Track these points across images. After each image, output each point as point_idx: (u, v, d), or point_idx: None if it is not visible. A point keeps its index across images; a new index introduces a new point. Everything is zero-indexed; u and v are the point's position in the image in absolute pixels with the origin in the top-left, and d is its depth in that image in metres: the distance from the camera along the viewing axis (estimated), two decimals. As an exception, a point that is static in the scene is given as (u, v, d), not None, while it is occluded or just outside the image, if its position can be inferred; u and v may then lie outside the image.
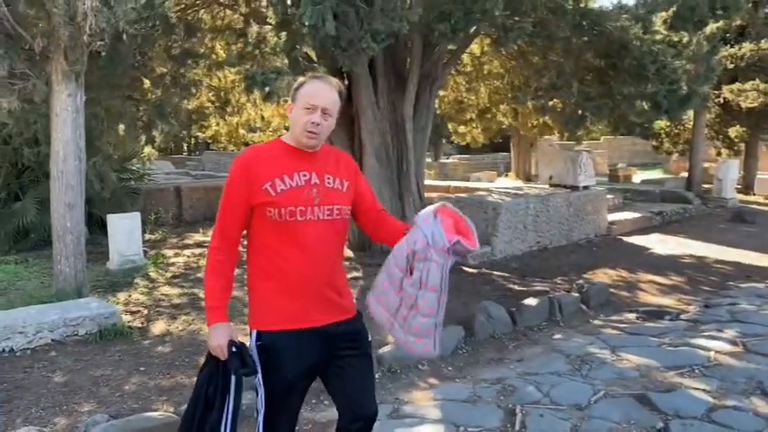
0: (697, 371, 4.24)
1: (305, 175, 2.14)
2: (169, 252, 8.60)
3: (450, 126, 12.84)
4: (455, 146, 31.97)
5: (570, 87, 7.98)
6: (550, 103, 10.04)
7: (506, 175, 22.37)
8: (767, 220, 12.70)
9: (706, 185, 16.36)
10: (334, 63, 7.00)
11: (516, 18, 7.20)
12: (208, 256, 2.20)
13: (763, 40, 15.75)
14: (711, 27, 9.87)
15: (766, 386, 3.90)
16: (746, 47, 15.96)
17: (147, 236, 9.33)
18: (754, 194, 17.39)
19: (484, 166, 25.11)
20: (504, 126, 14.50)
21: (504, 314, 5.38)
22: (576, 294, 6.13)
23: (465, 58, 11.43)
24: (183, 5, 7.31)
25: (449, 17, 6.47)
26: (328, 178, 2.18)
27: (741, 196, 17.07)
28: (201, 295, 6.54)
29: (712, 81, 8.71)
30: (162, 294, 6.34)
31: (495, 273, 7.57)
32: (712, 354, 4.55)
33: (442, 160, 27.42)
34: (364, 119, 8.13)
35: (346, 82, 8.59)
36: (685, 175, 17.65)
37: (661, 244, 9.94)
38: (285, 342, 2.12)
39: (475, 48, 11.27)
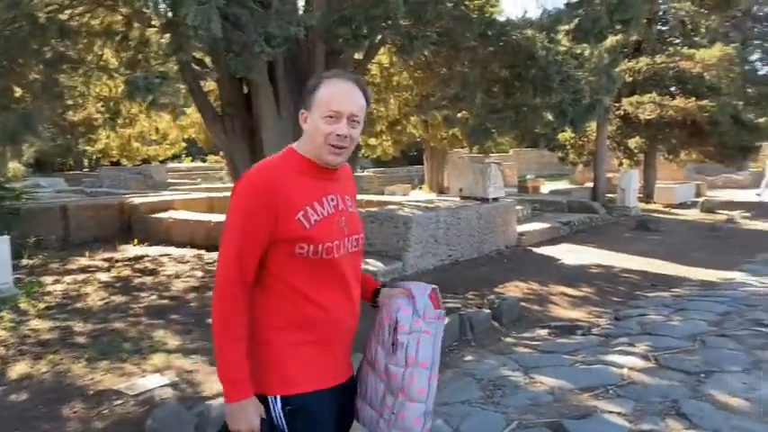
0: (611, 391, 4.03)
1: (333, 200, 1.75)
2: (48, 279, 7.70)
3: (360, 138, 12.51)
4: (371, 159, 31.88)
5: (474, 98, 7.83)
6: (459, 114, 9.94)
7: (420, 188, 22.35)
8: (669, 228, 13.16)
9: (610, 195, 16.90)
10: (229, 68, 6.49)
11: (421, 26, 6.97)
12: (218, 307, 1.69)
13: (657, 56, 16.48)
14: (611, 40, 10.10)
15: (681, 405, 3.72)
16: (643, 61, 16.67)
17: (25, 261, 8.39)
18: (655, 203, 18.14)
19: (399, 178, 25.04)
20: (417, 138, 14.37)
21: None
22: (488, 311, 5.87)
23: (374, 68, 11.16)
24: (56, 5, 6.56)
25: (350, 22, 6.13)
26: (348, 201, 1.82)
27: (643, 205, 17.76)
28: (77, 329, 5.86)
29: (613, 92, 8.85)
30: (29, 330, 5.55)
31: (406, 290, 7.23)
32: (626, 371, 4.37)
33: (357, 174, 27.17)
34: (266, 130, 7.63)
35: (245, 90, 8.11)
36: (590, 185, 18.19)
37: (570, 254, 9.98)
38: (320, 404, 1.72)
39: (383, 58, 11.03)
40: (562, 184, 27.08)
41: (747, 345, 4.89)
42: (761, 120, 18.88)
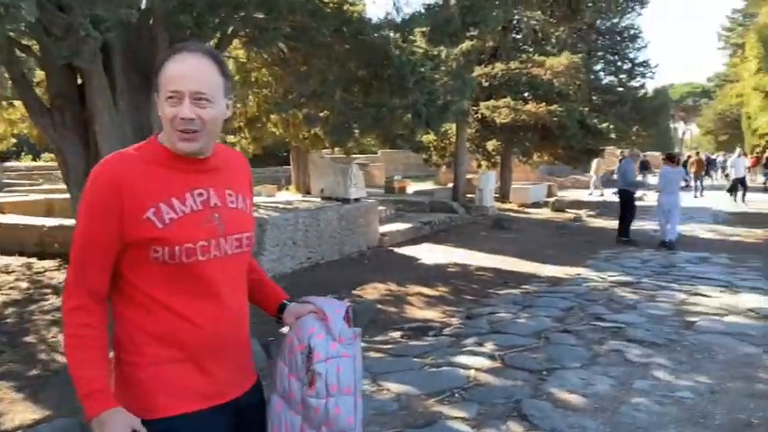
0: (457, 395, 3.95)
1: (201, 195, 1.51)
2: None
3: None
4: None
5: (333, 96, 7.62)
6: (321, 114, 9.69)
7: (287, 189, 21.87)
8: (522, 227, 13.79)
9: (470, 195, 17.48)
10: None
11: (273, 19, 6.63)
12: (64, 321, 1.49)
13: (512, 62, 17.27)
14: (467, 45, 10.35)
15: (524, 406, 3.72)
16: (498, 66, 17.41)
17: None
18: (510, 202, 19.03)
19: (265, 179, 24.37)
20: (285, 138, 13.93)
21: (257, 348, 4.67)
22: (341, 316, 5.65)
23: (230, 63, 10.63)
24: None
25: (191, 8, 5.66)
26: (230, 195, 1.57)
27: (499, 204, 18.55)
28: None
29: (467, 94, 9.04)
30: None
31: (259, 296, 6.86)
32: (472, 372, 4.33)
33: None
34: (100, 123, 6.88)
35: (79, 81, 7.32)
36: (452, 185, 18.74)
37: (430, 253, 10.08)
38: (193, 428, 1.49)
39: (240, 53, 10.54)
40: (427, 185, 27.76)
41: (587, 339, 5.07)
42: (603, 125, 20.43)
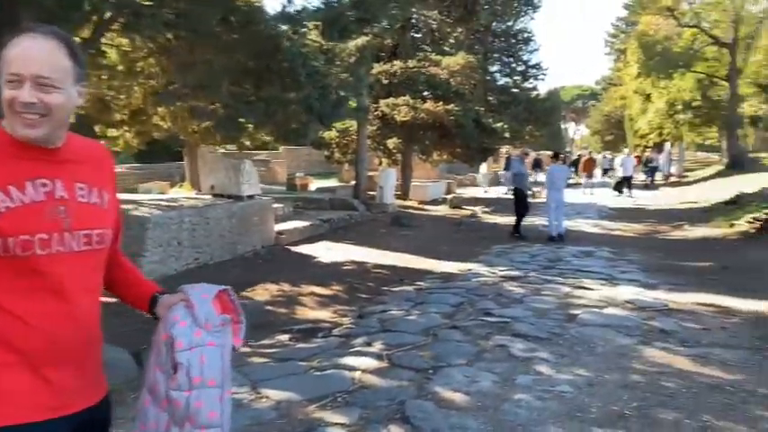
0: (340, 399, 3.80)
1: (45, 185, 1.41)
2: None
3: (96, 129, 11.13)
4: (131, 154, 29.28)
5: (219, 88, 7.27)
6: (212, 107, 9.26)
7: (181, 186, 20.96)
8: (421, 223, 13.89)
9: (371, 192, 17.45)
10: None
11: (155, 5, 6.21)
12: None
13: (410, 61, 17.40)
14: (363, 40, 10.24)
15: (407, 408, 3.62)
16: (397, 65, 17.48)
17: None
18: (411, 200, 19.19)
19: (158, 175, 23.26)
20: (167, 131, 13.25)
21: (126, 357, 4.31)
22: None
23: (113, 52, 9.94)
24: None
25: (54, -12, 5.17)
26: (81, 189, 1.48)
27: (400, 202, 18.66)
28: None
29: (362, 90, 8.93)
30: None
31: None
32: (358, 374, 4.20)
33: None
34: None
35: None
36: (354, 183, 18.65)
37: (327, 252, 9.90)
38: None
39: (124, 41, 9.87)
40: (331, 183, 27.58)
41: (474, 335, 5.08)
42: (498, 124, 21.07)
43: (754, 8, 27.84)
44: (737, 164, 28.65)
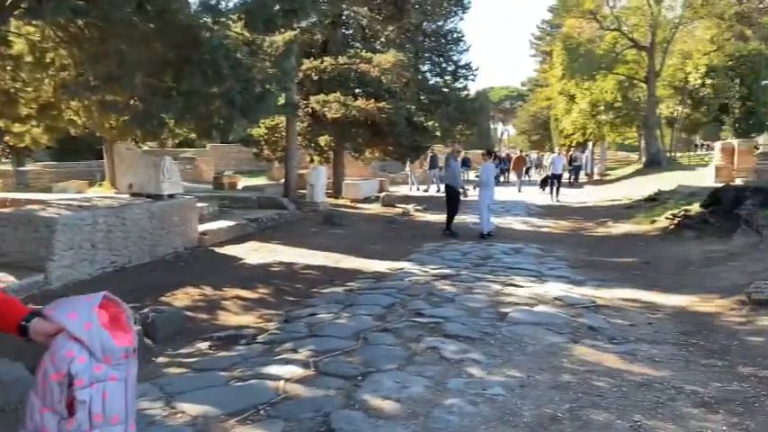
0: (262, 412, 3.54)
1: None
2: None
3: (0, 123, 10.29)
4: (47, 151, 27.64)
5: (133, 80, 6.82)
6: (130, 101, 8.71)
7: (100, 185, 19.95)
8: (352, 222, 13.68)
9: (302, 191, 17.10)
10: None
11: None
12: None
13: (341, 57, 17.15)
14: (290, 34, 9.94)
15: (333, 419, 3.41)
16: (328, 61, 17.20)
17: None
18: (343, 198, 18.95)
19: (76, 174, 22.05)
20: (81, 127, 12.45)
21: (23, 373, 3.89)
22: (138, 328, 4.98)
23: (20, 41, 9.21)
24: None
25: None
26: None
27: (332, 200, 18.40)
28: None
29: (288, 83, 8.63)
30: None
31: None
32: (282, 384, 3.95)
33: (22, 168, 23.14)
34: None
35: None
36: (284, 181, 18.24)
37: (254, 253, 9.55)
38: None
39: (31, 30, 9.16)
40: (260, 181, 26.97)
41: (405, 338, 4.92)
42: (430, 123, 21.15)
43: (670, 14, 29.18)
44: (655, 163, 29.96)
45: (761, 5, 42.15)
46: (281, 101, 17.21)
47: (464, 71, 36.95)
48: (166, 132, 9.41)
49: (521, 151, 38.62)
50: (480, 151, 45.44)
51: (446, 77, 36.81)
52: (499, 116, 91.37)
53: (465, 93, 36.59)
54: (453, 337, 4.92)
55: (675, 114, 35.90)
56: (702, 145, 48.78)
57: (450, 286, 7.01)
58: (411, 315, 5.64)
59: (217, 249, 9.68)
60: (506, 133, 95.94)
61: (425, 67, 36.66)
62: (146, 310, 5.34)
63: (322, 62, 17.28)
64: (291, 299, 6.68)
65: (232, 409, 3.57)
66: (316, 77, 17.82)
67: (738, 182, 16.47)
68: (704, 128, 40.48)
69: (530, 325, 5.33)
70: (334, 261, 8.98)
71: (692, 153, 39.52)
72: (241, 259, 9.00)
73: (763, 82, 32.51)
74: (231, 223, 11.25)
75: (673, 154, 36.34)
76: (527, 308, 5.97)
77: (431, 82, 36.69)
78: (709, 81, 31.88)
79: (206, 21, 6.89)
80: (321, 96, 17.11)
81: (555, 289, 6.85)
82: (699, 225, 9.78)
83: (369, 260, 9.04)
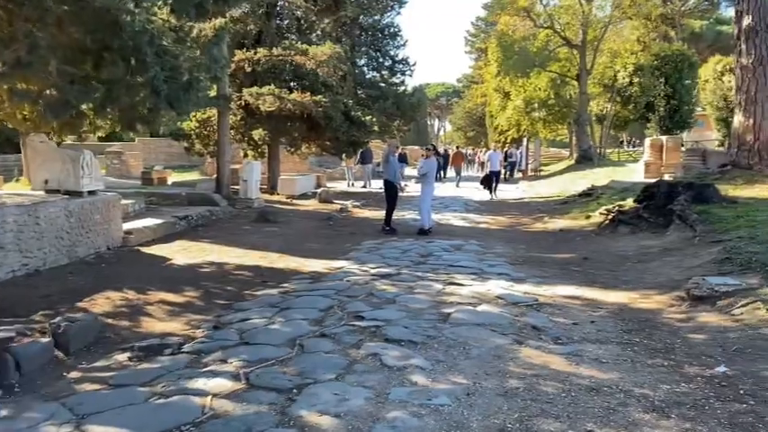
0: (186, 434, 3.19)
1: None
2: None
3: None
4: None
5: (47, 67, 6.22)
6: (48, 92, 8.01)
7: (17, 180, 18.72)
8: (288, 219, 13.27)
9: (236, 187, 16.50)
10: None
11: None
12: None
13: (275, 48, 16.63)
14: (221, 21, 9.44)
15: (265, 440, 3.09)
16: (261, 52, 16.64)
17: None
18: (278, 194, 18.44)
19: (-11, 169, 20.63)
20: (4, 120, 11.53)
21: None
22: (48, 339, 4.50)
23: None
24: None
25: None
26: None
27: (267, 196, 17.88)
28: None
29: (217, 72, 8.17)
30: None
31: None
32: (209, 400, 3.59)
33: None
34: None
35: None
36: (216, 176, 17.56)
37: (183, 252, 9.04)
38: None
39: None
40: (193, 176, 26.04)
41: (344, 344, 4.63)
42: (367, 117, 20.87)
43: (600, 13, 29.96)
44: (586, 158, 30.78)
45: (683, 8, 44.05)
46: (213, 92, 16.57)
47: (401, 66, 36.97)
48: (86, 124, 8.75)
49: (457, 147, 38.96)
50: (418, 147, 45.73)
51: (383, 72, 36.72)
52: (436, 112, 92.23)
53: (402, 88, 36.64)
54: (395, 342, 4.67)
55: (605, 112, 37.01)
56: (629, 142, 50.70)
57: (390, 286, 6.77)
58: (350, 318, 5.36)
59: (143, 249, 9.11)
60: (443, 129, 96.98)
61: (362, 62, 36.46)
62: (58, 318, 4.83)
63: (255, 53, 16.72)
64: (222, 302, 6.27)
65: (152, 431, 3.19)
66: (249, 69, 17.25)
67: (667, 177, 17.01)
68: (632, 125, 42.02)
69: (473, 326, 5.15)
70: (268, 261, 8.59)
71: (621, 149, 40.91)
72: (169, 260, 8.48)
73: (686, 81, 33.97)
74: (159, 221, 10.65)
75: (603, 150, 37.47)
76: (470, 308, 5.79)
77: (368, 76, 36.53)
78: (636, 80, 32.99)
79: (127, 4, 6.35)
80: (255, 89, 16.56)
81: (496, 287, 6.72)
82: (633, 220, 9.93)
83: (305, 259, 8.70)
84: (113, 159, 26.92)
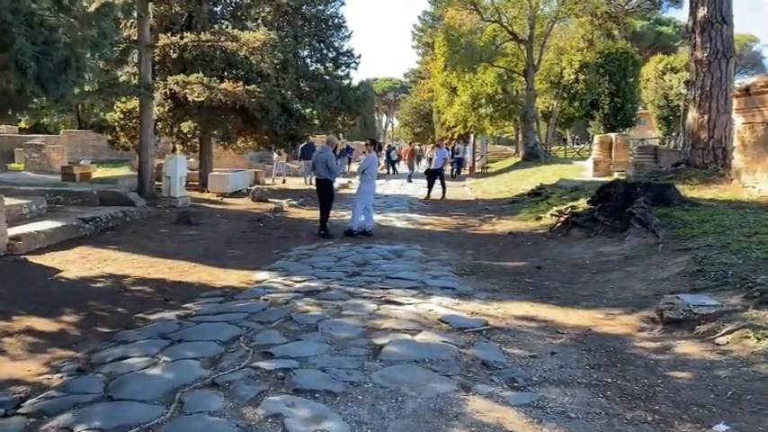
0: None
1: None
2: None
3: None
4: None
5: None
6: None
7: None
8: (213, 221, 12.03)
9: (161, 184, 15.08)
10: None
11: None
12: None
13: (203, 33, 15.23)
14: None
15: None
16: (189, 37, 15.23)
17: None
18: (209, 192, 17.06)
19: None
20: None
21: None
22: None
23: None
24: None
25: None
26: None
27: (197, 194, 16.54)
28: None
29: (105, 50, 6.89)
30: None
31: None
32: None
33: None
34: None
35: None
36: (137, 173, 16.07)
37: (79, 262, 7.74)
38: None
39: None
40: (122, 171, 24.24)
41: (239, 399, 3.52)
42: (307, 110, 19.67)
43: (546, 8, 29.57)
44: (533, 156, 30.40)
45: (627, 7, 44.45)
46: (134, 80, 15.10)
47: (346, 58, 35.75)
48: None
49: (410, 143, 38.32)
50: (364, 142, 44.67)
51: (327, 65, 35.41)
52: (383, 108, 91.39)
53: (347, 81, 35.47)
54: (307, 394, 3.60)
55: (551, 109, 36.87)
56: (573, 139, 51.03)
57: (315, 306, 5.69)
58: (256, 356, 4.26)
59: (31, 259, 7.75)
60: (391, 125, 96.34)
61: (305, 53, 35.07)
62: None
63: (182, 38, 15.27)
64: (104, 330, 5.06)
65: None
66: (175, 55, 15.80)
67: (617, 175, 16.51)
68: (576, 123, 42.15)
69: (410, 365, 4.13)
70: (177, 272, 7.38)
71: (568, 147, 40.90)
72: (59, 271, 7.18)
73: (630, 80, 34.11)
74: (57, 224, 9.25)
75: (549, 148, 37.32)
76: (407, 336, 4.78)
77: (312, 69, 35.16)
78: (582, 77, 32.88)
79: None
80: (181, 77, 15.13)
81: (440, 306, 5.75)
82: (588, 223, 9.16)
83: (222, 270, 7.54)
84: (33, 153, 24.83)
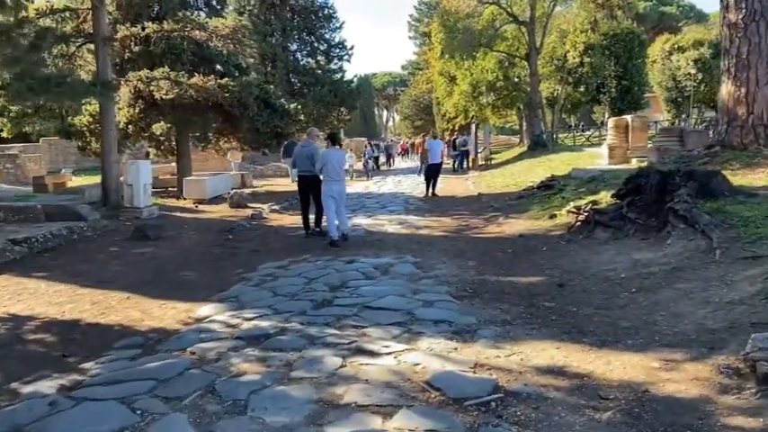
0: None
1: None
2: None
3: None
4: None
5: None
6: None
7: None
8: (176, 233, 10.48)
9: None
10: None
11: None
12: None
13: (166, 22, 13.64)
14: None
15: None
16: (150, 27, 13.64)
17: None
18: (185, 199, 15.50)
19: None
20: None
21: None
22: None
23: None
24: None
25: None
26: None
27: (173, 202, 15.03)
28: None
29: None
30: None
31: None
32: None
33: None
34: None
35: None
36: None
37: (-14, 299, 6.20)
38: None
39: None
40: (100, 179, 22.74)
41: None
42: (292, 105, 18.13)
43: (548, -13, 27.89)
44: (540, 144, 28.75)
45: (631, -15, 42.58)
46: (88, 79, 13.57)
47: (338, 51, 34.18)
48: None
49: (423, 136, 36.83)
50: (364, 138, 43.18)
51: (318, 58, 33.85)
52: (384, 102, 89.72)
53: (340, 74, 33.91)
54: None
55: (555, 94, 35.18)
56: (578, 125, 49.22)
57: (256, 363, 4.10)
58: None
59: (-76, 297, 6.21)
60: (392, 120, 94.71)
61: (295, 47, 33.53)
62: None
63: (144, 29, 13.68)
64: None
65: None
66: (138, 49, 14.23)
67: (636, 162, 14.85)
68: (582, 108, 40.42)
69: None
70: (101, 308, 5.81)
71: (576, 133, 39.12)
72: (-49, 315, 5.63)
73: (637, 61, 32.35)
74: (-24, 249, 7.72)
75: (555, 135, 35.64)
76: (378, 421, 3.19)
77: (302, 63, 33.63)
78: (587, 60, 31.19)
79: None
80: (144, 72, 13.57)
81: (431, 355, 4.15)
82: (615, 222, 7.53)
83: (161, 303, 5.96)
84: (6, 164, 23.35)
